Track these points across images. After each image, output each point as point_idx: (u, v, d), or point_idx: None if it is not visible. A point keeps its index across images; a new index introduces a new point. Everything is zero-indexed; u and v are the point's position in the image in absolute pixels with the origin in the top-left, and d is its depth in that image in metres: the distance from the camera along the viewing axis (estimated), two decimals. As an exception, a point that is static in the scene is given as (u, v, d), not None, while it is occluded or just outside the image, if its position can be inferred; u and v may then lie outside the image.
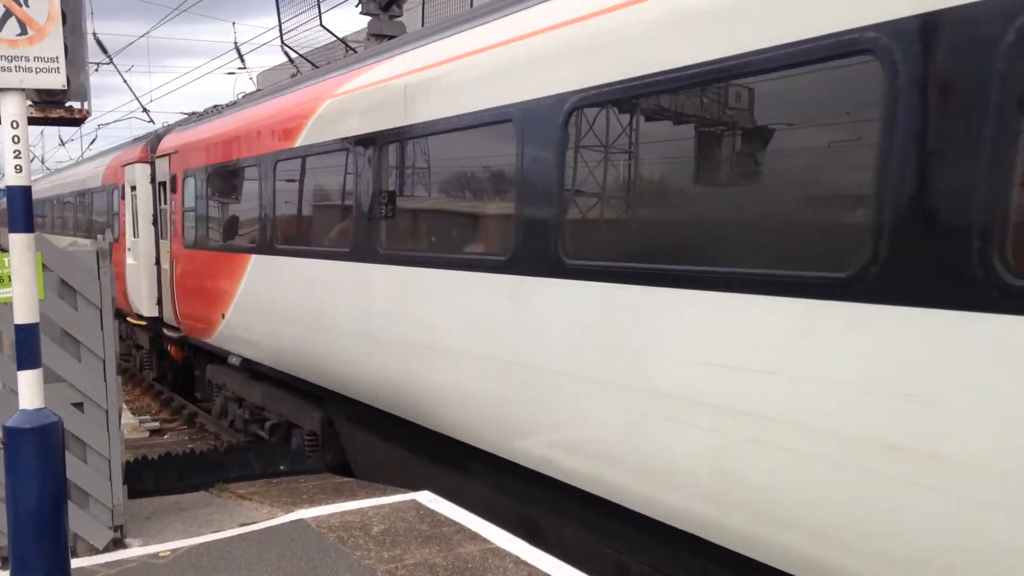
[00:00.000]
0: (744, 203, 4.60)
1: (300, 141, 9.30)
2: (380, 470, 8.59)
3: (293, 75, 14.41)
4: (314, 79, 9.85)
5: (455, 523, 6.32)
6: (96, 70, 25.74)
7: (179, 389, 16.70)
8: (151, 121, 25.78)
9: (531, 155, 5.90)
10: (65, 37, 4.62)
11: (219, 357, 12.42)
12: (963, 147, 3.52)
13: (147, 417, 15.78)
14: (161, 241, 14.74)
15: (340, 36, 15.52)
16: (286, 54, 16.16)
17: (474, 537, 6.04)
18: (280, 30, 15.72)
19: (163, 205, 14.68)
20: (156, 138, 15.89)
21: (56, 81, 4.55)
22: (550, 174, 5.72)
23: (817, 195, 4.25)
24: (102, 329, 6.15)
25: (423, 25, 13.77)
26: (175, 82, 77.21)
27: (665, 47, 4.92)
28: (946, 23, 3.57)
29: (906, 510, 3.75)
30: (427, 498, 6.92)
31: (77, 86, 5.01)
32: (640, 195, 5.30)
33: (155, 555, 5.91)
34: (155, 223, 15.16)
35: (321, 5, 14.70)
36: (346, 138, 8.25)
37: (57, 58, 4.53)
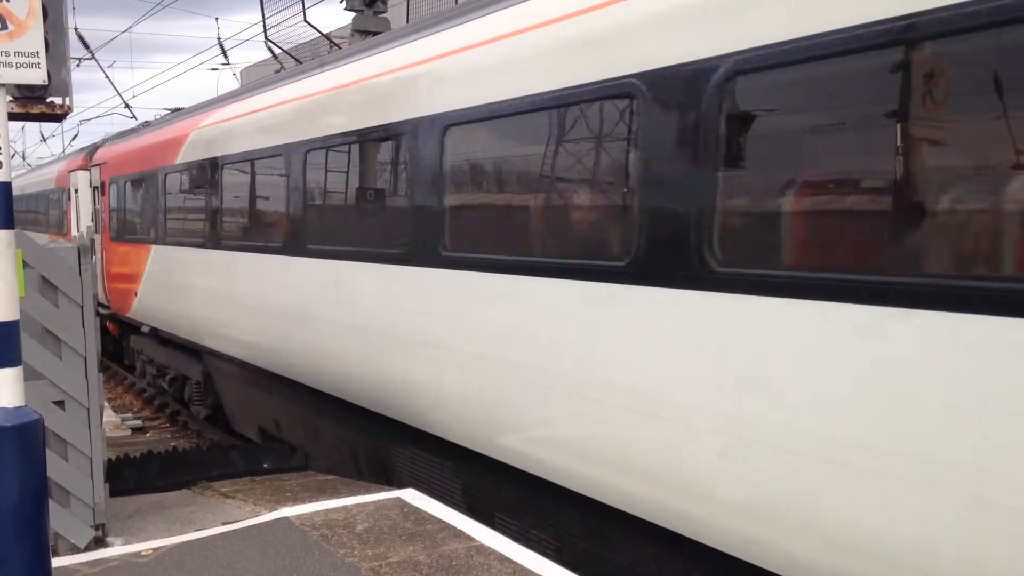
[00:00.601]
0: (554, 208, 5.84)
1: (179, 159, 12.58)
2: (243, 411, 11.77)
3: (277, 71, 14.43)
4: (192, 113, 13.23)
5: (440, 521, 6.31)
6: (78, 65, 25.59)
7: (114, 360, 19.55)
8: (133, 117, 25.58)
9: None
10: (46, 32, 4.58)
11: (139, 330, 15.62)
12: (692, 171, 4.67)
13: (129, 415, 15.70)
14: (95, 235, 17.26)
15: (324, 32, 15.47)
16: (270, 50, 16.12)
17: (458, 535, 6.03)
18: (264, 26, 15.67)
19: (97, 205, 17.82)
20: (94, 148, 19.14)
21: (36, 76, 4.50)
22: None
23: (606, 204, 5.41)
24: (83, 326, 6.11)
25: (407, 21, 13.78)
26: (158, 78, 76.79)
27: (505, 81, 6.07)
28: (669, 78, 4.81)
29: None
30: (412, 496, 6.91)
31: (58, 82, 4.98)
32: (489, 199, 6.46)
33: (137, 554, 5.86)
34: (93, 220, 18.11)
35: (305, 1, 14.65)
36: (201, 160, 11.70)
37: (37, 53, 4.48)
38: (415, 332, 7.07)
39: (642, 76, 4.96)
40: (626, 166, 5.15)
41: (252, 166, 10.01)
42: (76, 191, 19.44)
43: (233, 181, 10.54)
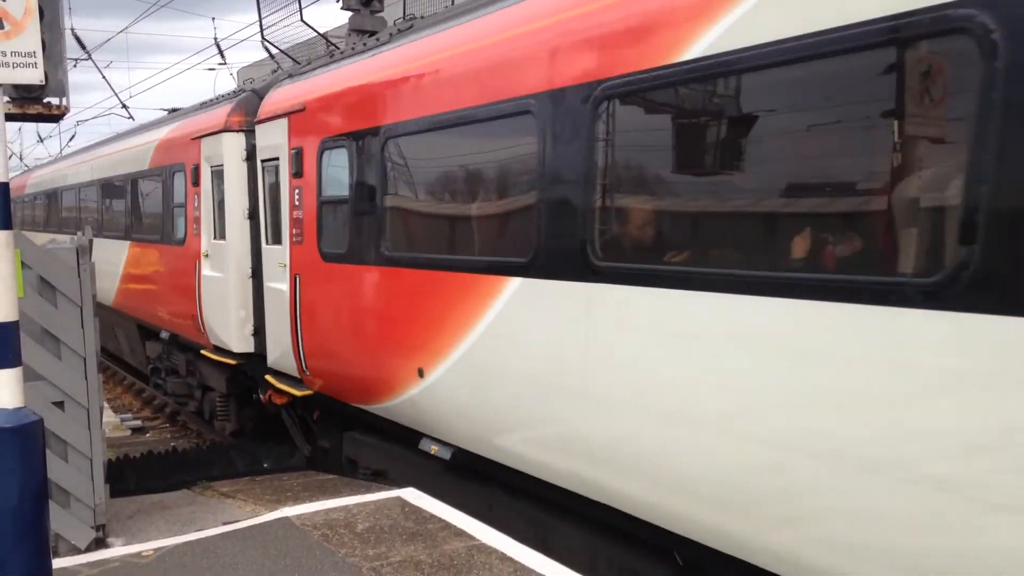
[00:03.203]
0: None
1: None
2: None
3: (274, 71, 14.35)
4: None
5: (440, 520, 6.30)
6: (74, 66, 25.54)
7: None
8: (131, 118, 25.51)
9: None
10: (43, 32, 4.57)
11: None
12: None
13: (128, 415, 15.69)
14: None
15: (321, 32, 15.45)
16: (267, 50, 16.07)
17: (460, 534, 6.03)
18: (260, 26, 15.62)
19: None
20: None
21: (34, 76, 4.49)
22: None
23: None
24: (83, 327, 6.10)
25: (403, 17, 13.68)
26: (154, 78, 76.59)
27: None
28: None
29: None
30: (412, 495, 6.89)
31: (55, 82, 4.97)
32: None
33: (138, 554, 5.85)
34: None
35: (302, 1, 14.61)
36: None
37: (34, 53, 4.47)
38: None
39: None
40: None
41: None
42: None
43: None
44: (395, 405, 7.63)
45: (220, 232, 11.33)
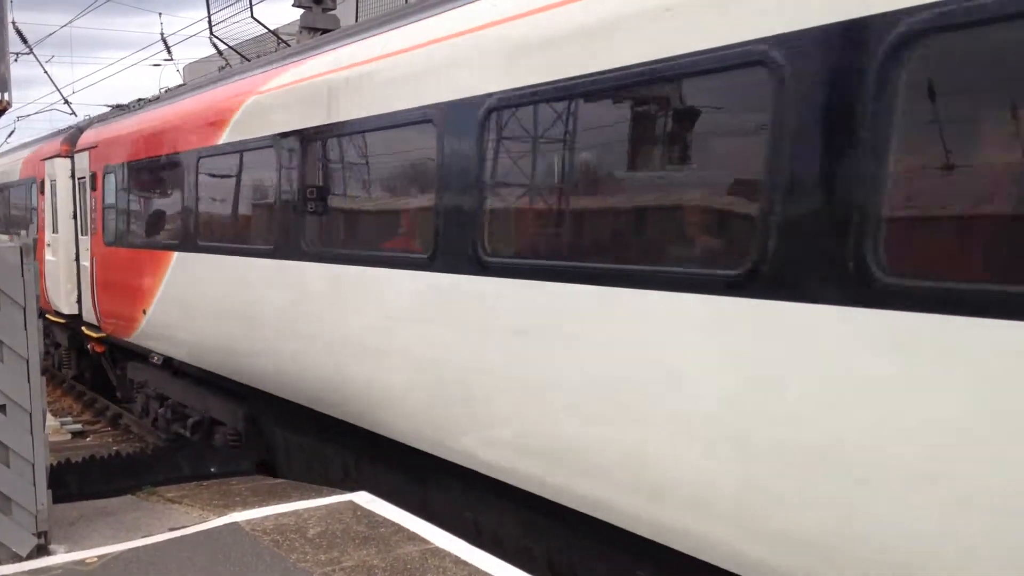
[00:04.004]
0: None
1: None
2: None
3: (221, 68, 14.20)
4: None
5: (393, 524, 6.25)
6: (15, 60, 24.88)
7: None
8: (73, 114, 24.95)
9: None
10: (-14, 25, 4.44)
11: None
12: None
13: (68, 419, 15.34)
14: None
15: (272, 28, 15.26)
16: (215, 46, 15.83)
17: (413, 538, 5.98)
18: (209, 21, 15.38)
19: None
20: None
21: (-22, 70, 4.35)
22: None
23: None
24: (26, 328, 5.93)
25: (356, 19, 13.63)
26: (99, 74, 75.05)
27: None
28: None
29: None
30: (365, 499, 6.83)
31: (-4, 76, 4.82)
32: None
33: (81, 562, 5.71)
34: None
35: (252, -3, 14.42)
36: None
37: (-22, 46, 4.33)
38: None
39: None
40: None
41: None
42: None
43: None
44: (138, 335, 12.28)
45: (55, 228, 15.91)
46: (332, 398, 7.70)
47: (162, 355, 11.57)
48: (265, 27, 15.12)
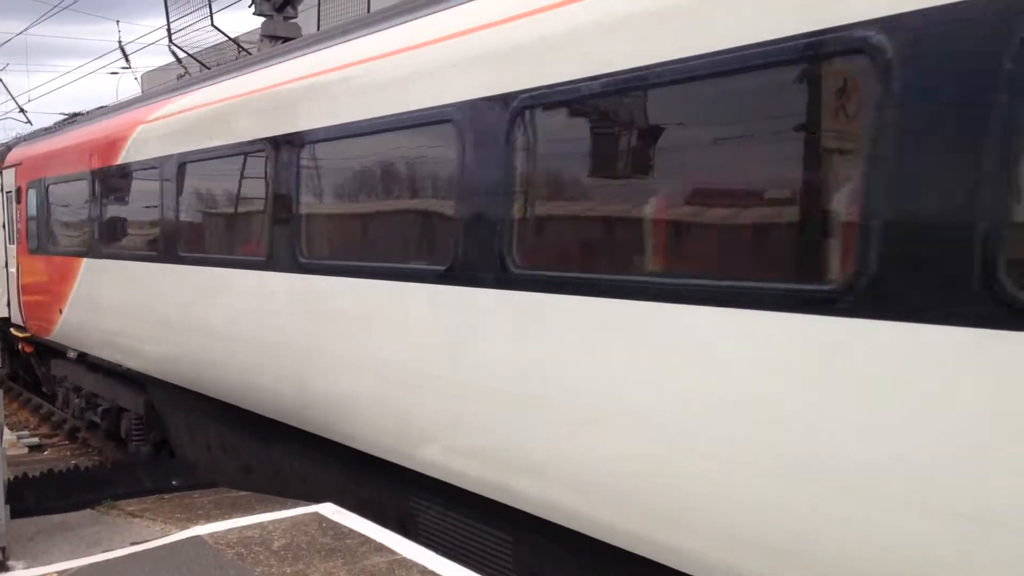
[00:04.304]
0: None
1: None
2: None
3: (180, 76, 14.15)
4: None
5: (360, 535, 6.20)
6: (-32, 68, 24.47)
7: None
8: (28, 122, 24.65)
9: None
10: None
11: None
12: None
13: (25, 432, 15.05)
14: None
15: (232, 36, 15.15)
16: (174, 54, 15.68)
17: (380, 549, 5.93)
18: (168, 29, 15.25)
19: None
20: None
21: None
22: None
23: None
24: (-19, 340, 5.82)
25: (319, 28, 13.61)
26: (56, 82, 74.00)
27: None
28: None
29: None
30: (330, 511, 6.76)
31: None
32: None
33: (40, 578, 5.61)
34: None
35: (212, 5, 14.31)
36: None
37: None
38: None
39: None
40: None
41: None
42: None
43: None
44: (56, 334, 13.73)
45: None
46: (205, 381, 9.20)
47: (76, 350, 13.14)
48: (225, 35, 15.01)
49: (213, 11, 14.33)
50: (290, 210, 7.61)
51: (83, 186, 12.51)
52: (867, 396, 3.70)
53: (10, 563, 5.98)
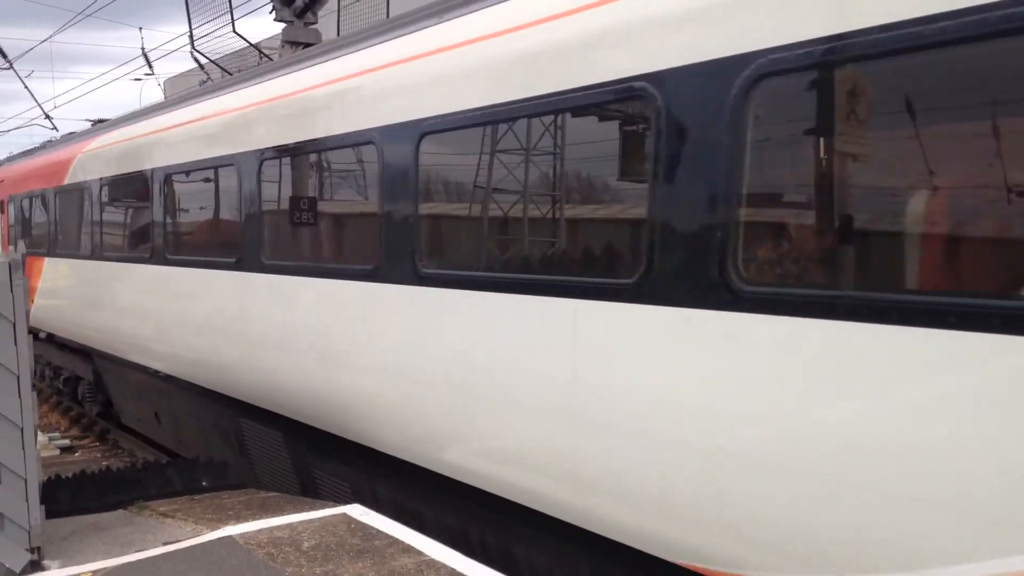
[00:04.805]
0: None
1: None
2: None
3: (202, 82, 14.31)
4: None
5: (388, 536, 6.26)
6: (-4, 75, 24.78)
7: None
8: (54, 128, 24.92)
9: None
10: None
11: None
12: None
13: (56, 434, 15.26)
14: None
15: (253, 42, 15.27)
16: (196, 60, 15.83)
17: (408, 550, 5.99)
18: (191, 36, 15.39)
19: None
20: None
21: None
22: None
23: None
24: (16, 343, 5.92)
25: (338, 33, 13.73)
26: (80, 89, 74.82)
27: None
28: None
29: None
30: (358, 512, 6.83)
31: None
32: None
33: (76, 577, 5.71)
34: None
35: (234, 11, 14.43)
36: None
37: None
38: None
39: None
40: None
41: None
42: None
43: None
44: (31, 319, 16.32)
45: None
46: (133, 353, 12.06)
47: (45, 331, 16.05)
48: (247, 41, 15.14)
49: (235, 17, 14.46)
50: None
51: (44, 200, 16.38)
52: (644, 357, 4.85)
53: (45, 562, 6.08)
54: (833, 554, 4.05)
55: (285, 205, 8.49)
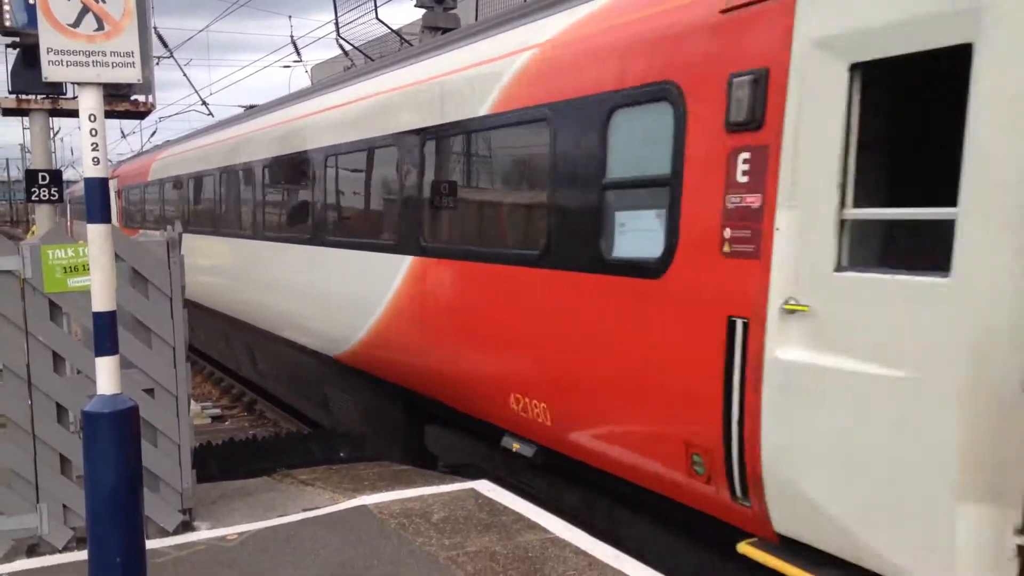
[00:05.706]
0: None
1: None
2: None
3: (347, 67, 14.71)
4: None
5: (514, 512, 6.38)
6: (157, 64, 26.19)
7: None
8: (210, 114, 26.13)
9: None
10: (136, 32, 4.74)
11: None
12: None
13: (209, 404, 16.13)
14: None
15: (395, 28, 15.63)
16: (341, 47, 16.33)
17: (533, 527, 6.10)
18: (336, 23, 15.88)
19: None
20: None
21: (132, 76, 4.67)
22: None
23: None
24: (172, 318, 6.31)
25: (476, 18, 13.95)
26: (233, 76, 78.25)
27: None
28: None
29: None
30: (486, 487, 6.99)
31: (143, 80, 5.13)
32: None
33: (223, 538, 6.06)
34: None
35: (377, -1, 14.80)
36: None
37: (132, 53, 4.63)
38: None
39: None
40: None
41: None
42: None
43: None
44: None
45: None
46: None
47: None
48: (389, 27, 15.50)
49: (377, 4, 14.84)
50: None
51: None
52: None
53: (195, 524, 6.48)
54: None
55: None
